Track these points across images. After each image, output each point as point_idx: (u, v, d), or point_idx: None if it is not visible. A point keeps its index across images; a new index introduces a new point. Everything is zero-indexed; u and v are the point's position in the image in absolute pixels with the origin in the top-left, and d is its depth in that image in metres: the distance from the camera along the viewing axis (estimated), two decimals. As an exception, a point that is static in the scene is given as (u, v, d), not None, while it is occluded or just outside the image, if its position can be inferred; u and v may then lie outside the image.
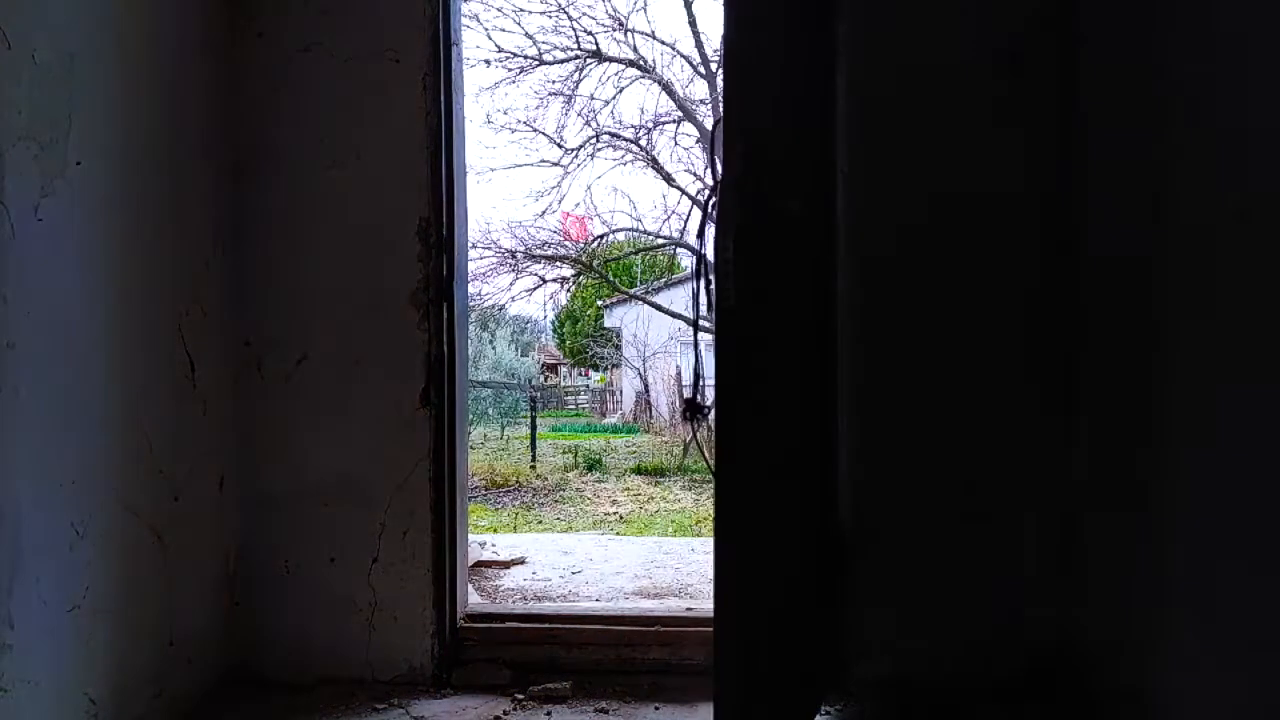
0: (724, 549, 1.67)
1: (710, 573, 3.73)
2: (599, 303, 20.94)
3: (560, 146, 12.03)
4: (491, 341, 21.34)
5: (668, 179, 12.00)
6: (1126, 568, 1.61)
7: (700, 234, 1.78)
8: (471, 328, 13.01)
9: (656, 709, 2.27)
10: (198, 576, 2.31)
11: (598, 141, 12.03)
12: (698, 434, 2.17)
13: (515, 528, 8.31)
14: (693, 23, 11.22)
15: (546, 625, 2.57)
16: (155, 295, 2.13)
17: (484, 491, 10.41)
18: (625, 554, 4.21)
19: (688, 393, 1.85)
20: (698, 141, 11.90)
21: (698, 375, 1.80)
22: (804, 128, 1.80)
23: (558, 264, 13.19)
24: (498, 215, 21.62)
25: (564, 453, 13.16)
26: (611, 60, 11.37)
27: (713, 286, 1.71)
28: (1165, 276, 1.51)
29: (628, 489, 10.81)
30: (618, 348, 19.79)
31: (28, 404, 1.69)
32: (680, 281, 17.69)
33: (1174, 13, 1.48)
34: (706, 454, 1.96)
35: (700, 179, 12.27)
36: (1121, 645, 1.63)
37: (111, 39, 1.97)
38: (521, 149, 18.54)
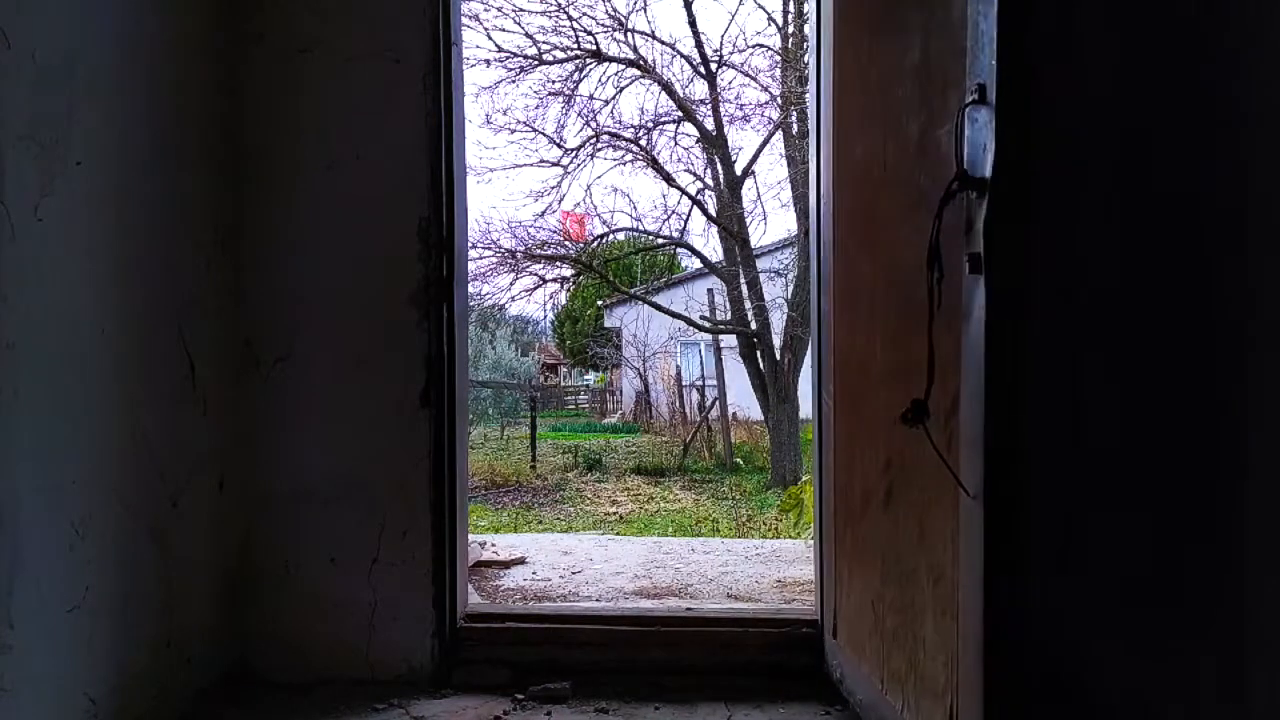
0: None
1: (710, 573, 3.76)
2: (599, 303, 20.95)
3: (560, 146, 12.03)
4: (491, 341, 21.35)
5: (668, 179, 11.98)
6: None
7: (935, 245, 1.59)
8: (471, 328, 13.02)
9: (656, 709, 2.27)
10: (198, 577, 2.31)
11: (598, 141, 12.01)
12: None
13: (515, 528, 8.32)
14: (693, 23, 11.21)
15: (546, 625, 2.57)
16: (155, 295, 2.13)
17: (484, 491, 10.42)
18: (625, 554, 4.21)
19: (915, 393, 1.65)
20: (698, 141, 11.90)
21: (931, 370, 1.61)
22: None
23: (557, 264, 13.17)
24: (498, 215, 21.58)
25: (564, 453, 13.18)
26: (611, 60, 11.36)
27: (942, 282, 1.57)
28: None
29: (628, 489, 10.83)
30: (618, 348, 19.80)
31: (28, 404, 1.69)
32: (680, 281, 17.72)
33: None
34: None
35: (700, 178, 12.28)
36: None
37: (111, 39, 1.97)
38: (521, 149, 18.50)
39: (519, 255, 12.43)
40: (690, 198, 12.04)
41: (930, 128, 1.74)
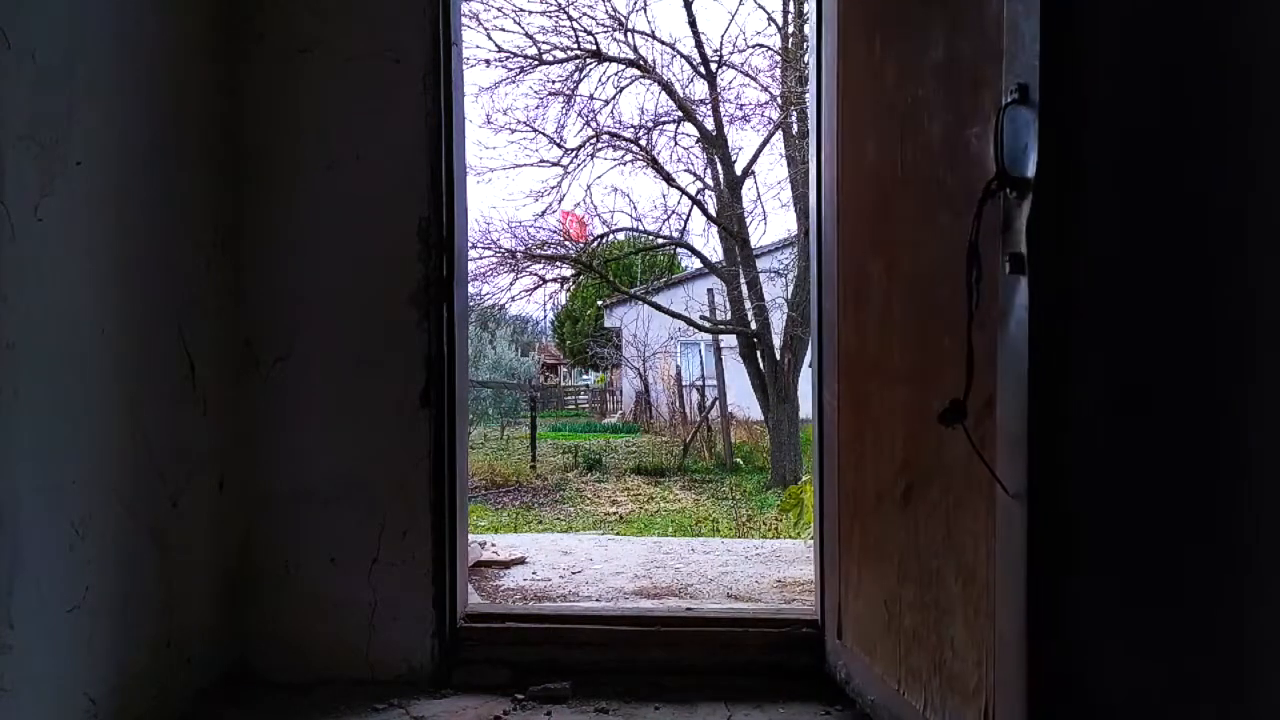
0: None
1: (710, 573, 3.76)
2: (599, 303, 20.95)
3: (560, 146, 12.03)
4: (491, 341, 21.36)
5: (668, 179, 11.99)
6: None
7: (974, 245, 1.56)
8: (471, 328, 13.02)
9: (656, 709, 2.27)
10: (198, 577, 2.31)
11: (598, 141, 12.02)
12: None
13: (515, 528, 8.32)
14: (693, 23, 11.21)
15: (546, 625, 2.56)
16: (155, 295, 2.13)
17: (484, 491, 10.42)
18: (625, 554, 4.21)
19: (939, 393, 1.65)
20: (698, 141, 11.90)
21: (971, 370, 1.58)
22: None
23: (558, 264, 13.18)
24: (498, 215, 21.58)
25: (564, 453, 13.19)
26: (611, 60, 11.36)
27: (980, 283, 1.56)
28: None
29: (628, 489, 10.84)
30: (618, 348, 19.80)
31: (28, 404, 1.69)
32: (680, 281, 17.72)
33: None
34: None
35: (700, 178, 12.28)
36: None
37: (111, 39, 1.97)
38: (521, 149, 18.50)
39: (519, 255, 12.43)
40: (690, 198, 12.05)
41: (959, 128, 1.74)
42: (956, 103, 1.75)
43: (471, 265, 10.92)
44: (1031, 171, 1.47)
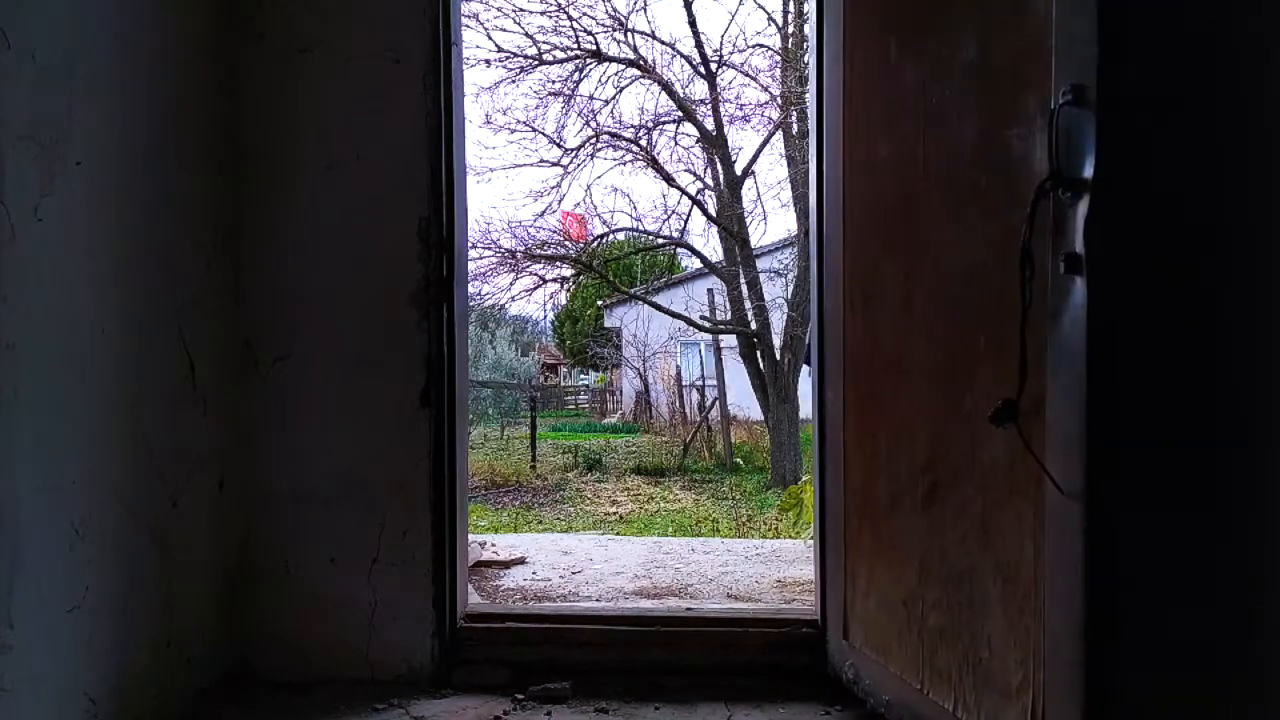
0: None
1: (710, 573, 3.76)
2: (599, 303, 20.96)
3: (560, 146, 12.04)
4: (491, 341, 21.36)
5: (668, 179, 11.99)
6: None
7: (1027, 245, 1.56)
8: (471, 328, 13.02)
9: (656, 709, 2.27)
10: (197, 577, 2.31)
11: (598, 141, 12.02)
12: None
13: (515, 528, 8.32)
14: (693, 23, 11.22)
15: (546, 625, 2.56)
16: (155, 295, 2.13)
17: (484, 491, 10.43)
18: (625, 554, 4.21)
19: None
20: (698, 141, 11.90)
21: (1024, 370, 1.59)
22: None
23: (558, 264, 13.18)
24: (498, 215, 21.59)
25: (564, 453, 13.19)
26: (611, 60, 11.37)
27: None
28: None
29: (628, 489, 10.84)
30: (618, 348, 19.81)
31: (28, 404, 1.69)
32: (680, 281, 17.73)
33: None
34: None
35: (700, 178, 12.28)
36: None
37: (111, 39, 1.97)
38: (521, 149, 18.52)
39: (519, 255, 12.44)
40: (690, 198, 12.05)
41: (996, 128, 1.75)
42: (993, 104, 1.76)
43: (471, 265, 10.92)
44: (1089, 172, 1.48)
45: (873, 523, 2.19)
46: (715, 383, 14.39)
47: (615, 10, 11.36)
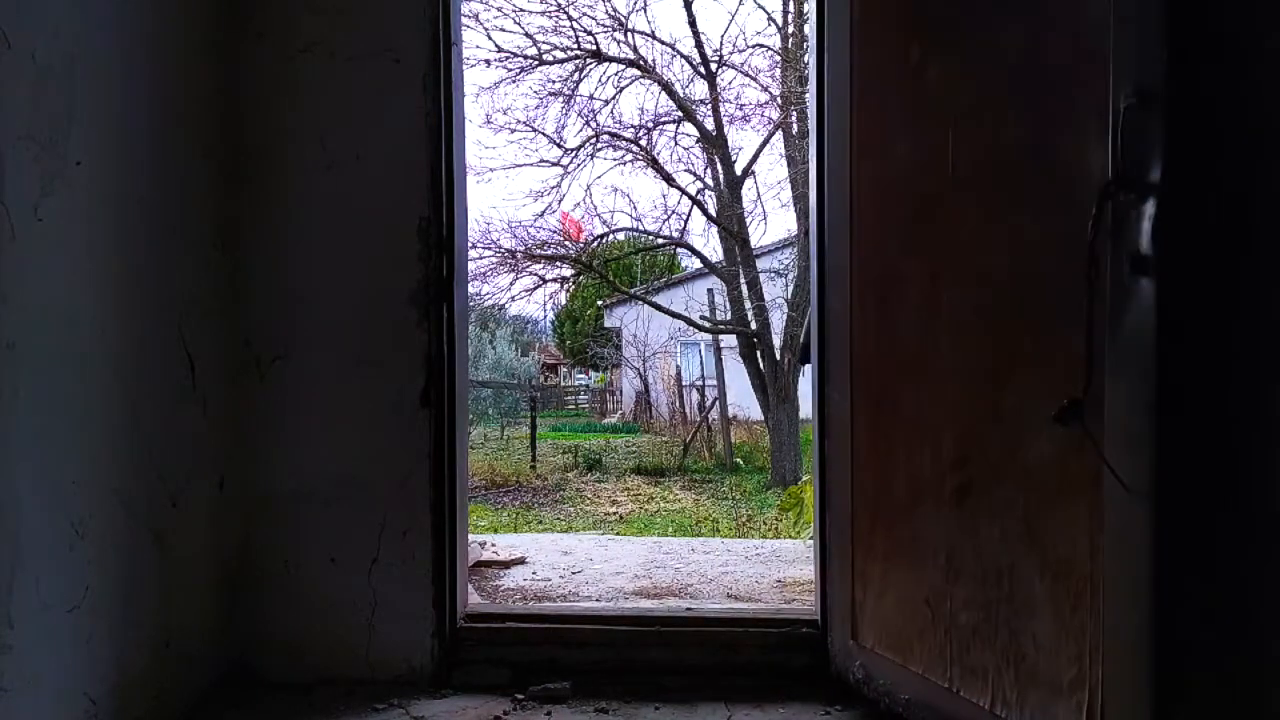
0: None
1: (710, 573, 3.76)
2: (599, 303, 20.96)
3: (560, 146, 12.04)
4: (491, 341, 21.36)
5: (668, 179, 12.00)
6: None
7: (1094, 246, 1.59)
8: (471, 328, 13.02)
9: (656, 709, 2.27)
10: (197, 576, 2.31)
11: (598, 141, 12.03)
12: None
13: (515, 528, 8.32)
14: (693, 23, 11.22)
15: (546, 625, 2.56)
16: (155, 295, 2.13)
17: (484, 491, 10.43)
18: (625, 554, 4.21)
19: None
20: (698, 141, 11.90)
21: (1090, 370, 1.62)
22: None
23: (558, 264, 13.19)
24: (498, 215, 21.59)
25: (564, 453, 13.19)
26: (611, 60, 11.37)
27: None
28: None
29: (628, 489, 10.84)
30: (618, 348, 19.82)
31: (28, 404, 1.69)
32: (680, 281, 17.73)
33: None
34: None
35: (700, 178, 12.28)
36: None
37: (111, 39, 1.97)
38: (521, 149, 18.53)
39: (519, 255, 12.44)
40: (690, 198, 12.05)
41: (1045, 130, 1.75)
42: (1040, 106, 1.77)
43: (471, 265, 10.92)
44: (1157, 174, 1.50)
45: (888, 523, 2.19)
46: (715, 383, 14.39)
47: (615, 10, 11.37)
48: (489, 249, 12.31)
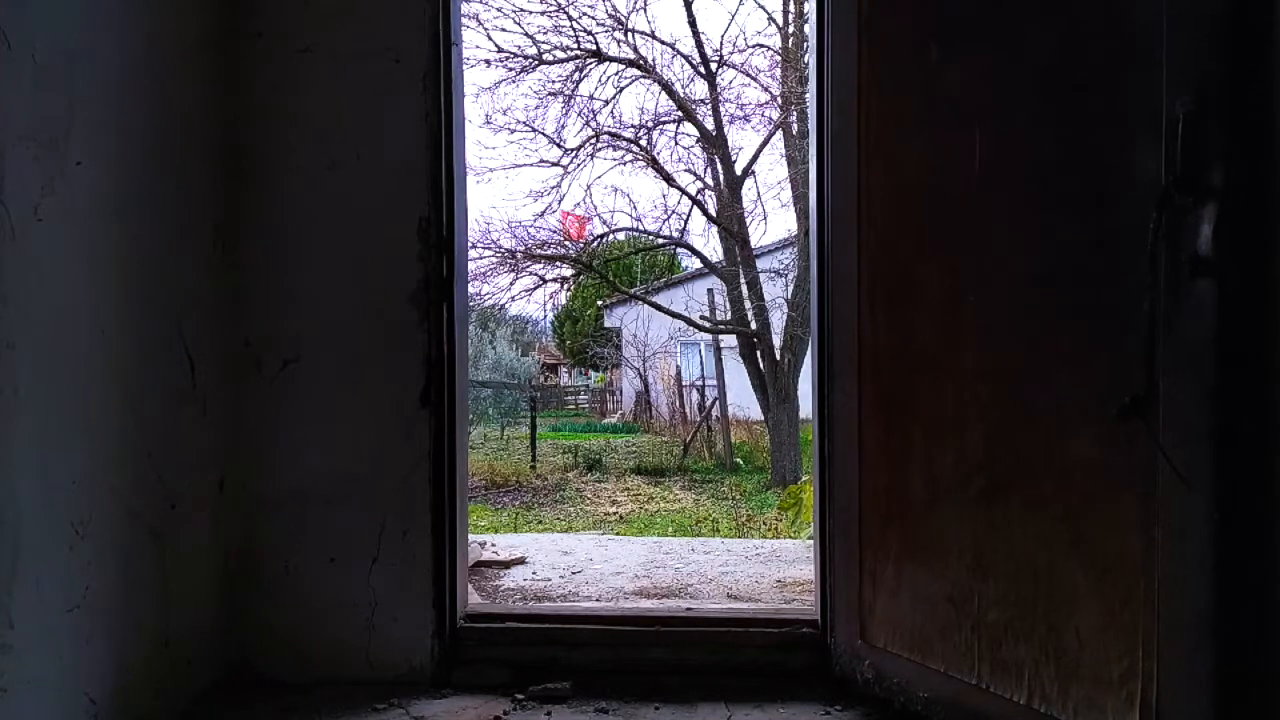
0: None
1: (710, 573, 3.76)
2: (599, 303, 20.96)
3: (560, 146, 12.04)
4: (491, 341, 21.35)
5: (668, 179, 11.99)
6: None
7: (1153, 250, 1.61)
8: (471, 328, 13.02)
9: (656, 709, 2.27)
10: (197, 576, 2.31)
11: (598, 141, 12.02)
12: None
13: (515, 528, 8.32)
14: (693, 23, 11.21)
15: (546, 625, 2.56)
16: (155, 295, 2.13)
17: (484, 491, 10.43)
18: (625, 554, 4.21)
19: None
20: (698, 141, 11.90)
21: (1152, 370, 1.66)
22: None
23: (558, 264, 13.18)
24: (498, 215, 21.60)
25: (564, 453, 13.19)
26: (611, 60, 11.37)
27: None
28: None
29: (628, 489, 10.84)
30: (618, 348, 19.82)
31: (28, 404, 1.69)
32: (680, 281, 17.73)
33: None
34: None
35: (700, 178, 12.28)
36: None
37: (111, 39, 1.97)
38: (521, 149, 18.55)
39: (519, 255, 12.43)
40: (690, 198, 12.05)
41: (1083, 132, 1.77)
42: (1078, 106, 1.78)
43: (471, 265, 10.93)
44: (1219, 179, 1.52)
45: (903, 523, 2.19)
46: (715, 383, 14.39)
47: (615, 10, 11.36)
48: (489, 249, 12.30)
